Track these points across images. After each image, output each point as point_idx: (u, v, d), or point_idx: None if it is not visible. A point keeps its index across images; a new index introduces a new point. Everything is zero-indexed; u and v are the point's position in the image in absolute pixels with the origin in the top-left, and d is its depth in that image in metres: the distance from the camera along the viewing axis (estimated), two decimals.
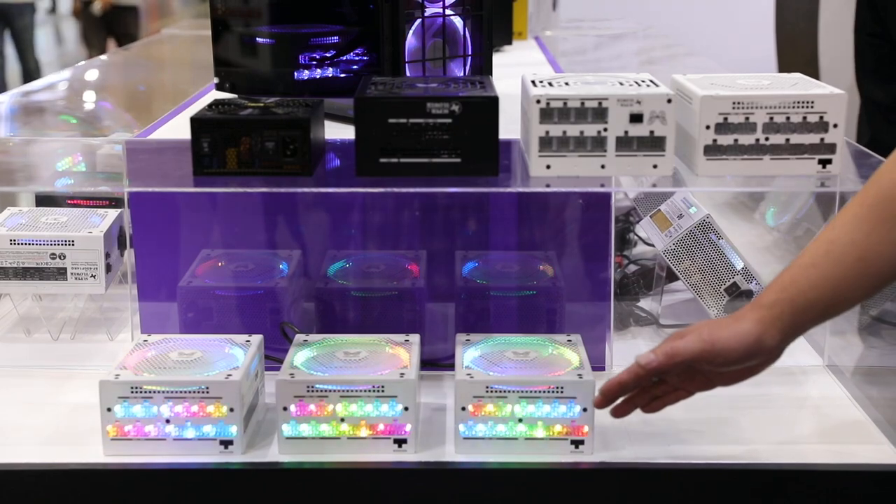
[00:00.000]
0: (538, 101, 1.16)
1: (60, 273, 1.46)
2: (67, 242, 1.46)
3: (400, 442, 1.22)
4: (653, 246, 1.66)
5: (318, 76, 1.48)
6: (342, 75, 1.48)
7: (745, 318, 1.07)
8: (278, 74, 1.49)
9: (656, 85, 1.21)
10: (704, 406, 1.36)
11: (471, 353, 1.28)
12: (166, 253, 1.50)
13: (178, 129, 1.55)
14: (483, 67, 1.53)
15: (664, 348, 1.09)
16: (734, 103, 1.19)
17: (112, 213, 1.53)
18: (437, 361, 1.41)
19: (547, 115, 1.17)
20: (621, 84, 1.21)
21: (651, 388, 1.15)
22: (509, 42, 2.53)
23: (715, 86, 1.23)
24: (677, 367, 1.10)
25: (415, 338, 1.32)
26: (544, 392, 1.20)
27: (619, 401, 1.15)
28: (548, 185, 1.20)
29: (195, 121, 1.20)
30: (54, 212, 1.55)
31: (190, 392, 1.20)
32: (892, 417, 1.27)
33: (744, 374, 1.12)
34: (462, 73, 1.52)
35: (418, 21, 1.45)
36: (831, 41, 3.63)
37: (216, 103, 1.27)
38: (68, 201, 1.63)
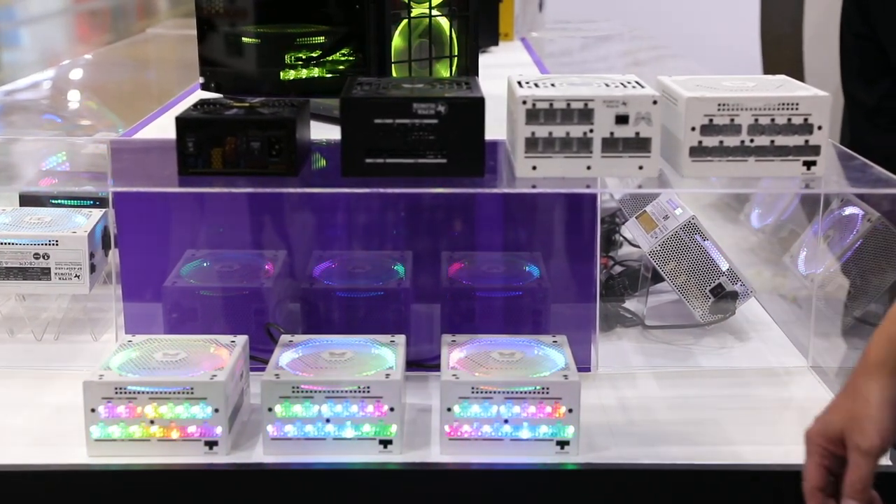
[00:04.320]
0: (524, 102, 1.17)
1: (44, 273, 1.45)
2: (51, 242, 1.45)
3: (385, 443, 1.21)
4: (638, 247, 1.66)
5: (303, 76, 1.48)
6: (328, 75, 1.48)
7: (870, 391, 1.02)
8: (264, 74, 1.49)
9: (642, 86, 1.21)
10: (689, 407, 1.36)
11: (456, 354, 1.28)
12: (151, 253, 1.50)
13: (163, 128, 1.54)
14: (469, 68, 1.53)
15: (856, 488, 1.01)
16: (719, 105, 1.19)
17: (96, 213, 1.52)
18: (422, 362, 1.41)
19: (533, 116, 1.17)
20: (607, 85, 1.21)
21: None
22: (495, 43, 2.53)
23: (700, 87, 1.23)
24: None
25: (400, 338, 1.32)
26: (530, 393, 1.20)
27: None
28: (534, 186, 1.20)
29: (180, 120, 1.20)
30: (38, 212, 1.54)
31: (174, 393, 1.19)
32: None
33: None
34: (448, 74, 1.52)
35: (404, 21, 1.45)
36: (816, 44, 3.65)
37: (201, 103, 1.27)
38: (52, 201, 1.63)
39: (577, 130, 1.17)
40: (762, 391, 1.40)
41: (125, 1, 3.33)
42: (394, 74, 1.45)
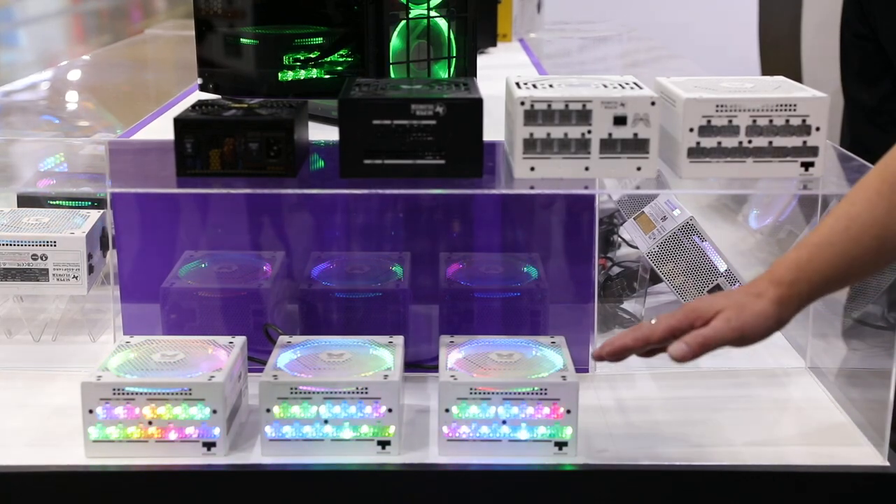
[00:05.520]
0: (522, 103, 1.17)
1: (42, 274, 1.45)
2: (49, 243, 1.45)
3: (383, 444, 1.21)
4: (636, 248, 1.66)
5: (302, 77, 1.48)
6: (326, 76, 1.48)
7: (765, 297, 1.07)
8: (262, 75, 1.49)
9: (640, 87, 1.21)
10: (687, 408, 1.36)
11: (455, 355, 1.28)
12: (149, 254, 1.49)
13: (161, 129, 1.55)
14: (467, 69, 1.53)
15: (697, 340, 1.07)
16: (717, 106, 1.19)
17: (95, 214, 1.52)
18: (421, 363, 1.41)
19: (531, 117, 1.17)
20: (605, 86, 1.21)
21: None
22: (494, 44, 2.53)
23: (698, 88, 1.23)
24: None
25: (399, 339, 1.32)
26: (528, 394, 1.20)
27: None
28: (532, 187, 1.20)
29: (179, 121, 1.20)
30: (36, 212, 1.54)
31: (172, 394, 1.19)
32: (874, 419, 1.27)
33: None
34: (447, 75, 1.52)
35: (403, 22, 1.45)
36: (815, 44, 3.65)
37: (200, 104, 1.27)
38: (50, 202, 1.62)
39: (575, 131, 1.17)
40: (760, 392, 1.41)
41: (123, 2, 3.33)
42: (392, 75, 1.45)
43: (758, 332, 1.07)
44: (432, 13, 1.48)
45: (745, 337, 1.07)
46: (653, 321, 1.11)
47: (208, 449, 1.21)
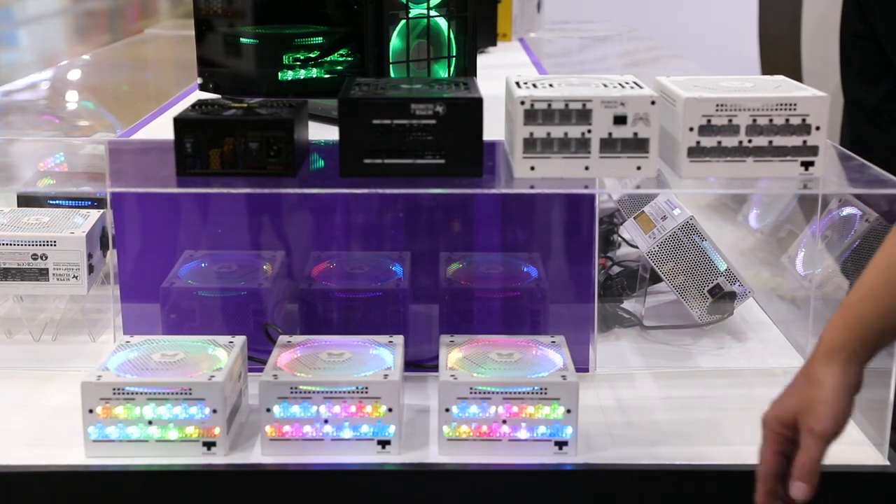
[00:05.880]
0: (522, 103, 1.17)
1: (42, 274, 1.45)
2: (49, 243, 1.45)
3: (383, 443, 1.21)
4: (637, 247, 1.66)
5: (302, 77, 1.48)
6: (326, 76, 1.48)
7: (825, 382, 1.04)
8: (262, 75, 1.49)
9: (640, 87, 1.21)
10: (687, 408, 1.36)
11: (455, 355, 1.28)
12: (149, 254, 1.49)
13: (161, 129, 1.54)
14: (467, 69, 1.53)
15: (806, 470, 1.02)
16: (717, 105, 1.19)
17: (94, 214, 1.52)
18: (421, 363, 1.41)
19: (531, 116, 1.17)
20: (605, 86, 1.21)
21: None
22: (493, 43, 2.53)
23: (698, 88, 1.23)
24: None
25: (399, 339, 1.32)
26: (528, 393, 1.20)
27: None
28: (532, 187, 1.20)
29: (178, 121, 1.20)
30: (36, 212, 1.54)
31: (172, 394, 1.19)
32: (874, 419, 1.27)
33: None
34: (446, 75, 1.52)
35: (403, 22, 1.45)
36: (814, 44, 3.65)
37: (200, 104, 1.27)
38: (50, 202, 1.62)
39: (575, 131, 1.17)
40: (760, 392, 1.40)
41: (123, 1, 3.33)
42: (392, 75, 1.45)
43: (840, 415, 1.04)
44: (432, 13, 1.48)
45: (836, 430, 1.04)
46: (760, 460, 1.07)
47: (208, 449, 1.21)
